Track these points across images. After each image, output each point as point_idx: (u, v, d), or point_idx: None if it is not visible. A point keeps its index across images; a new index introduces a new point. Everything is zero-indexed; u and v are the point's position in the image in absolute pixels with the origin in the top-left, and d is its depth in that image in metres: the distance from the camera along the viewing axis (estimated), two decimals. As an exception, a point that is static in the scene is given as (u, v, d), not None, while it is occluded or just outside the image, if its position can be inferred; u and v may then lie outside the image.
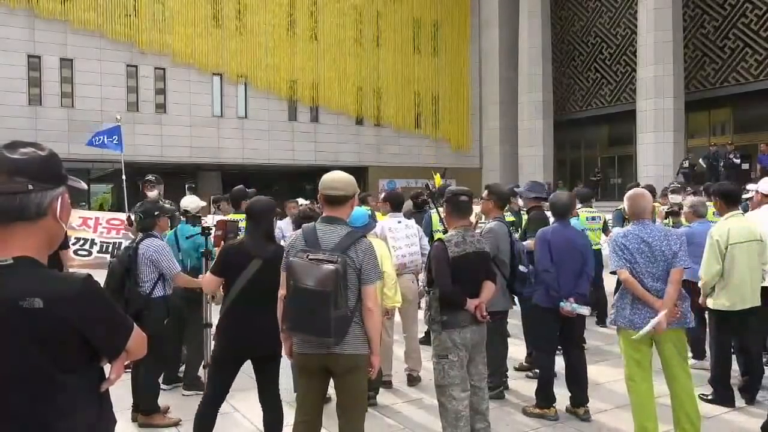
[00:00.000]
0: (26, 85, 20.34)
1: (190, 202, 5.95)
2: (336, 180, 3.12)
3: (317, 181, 3.23)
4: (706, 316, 5.25)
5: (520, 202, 7.14)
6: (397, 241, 5.47)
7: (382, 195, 6.93)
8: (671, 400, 4.01)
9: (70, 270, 6.47)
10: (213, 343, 3.79)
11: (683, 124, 20.83)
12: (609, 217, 8.41)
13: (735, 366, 5.08)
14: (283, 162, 24.58)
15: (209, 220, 7.38)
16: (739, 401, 4.89)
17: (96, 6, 21.08)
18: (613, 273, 4.08)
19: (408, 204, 7.83)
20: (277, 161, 24.43)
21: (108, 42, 21.28)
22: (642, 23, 20.79)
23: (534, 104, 24.77)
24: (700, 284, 5.01)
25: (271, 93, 24.01)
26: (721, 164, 17.59)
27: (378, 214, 6.74)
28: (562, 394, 4.70)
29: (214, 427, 3.62)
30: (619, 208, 8.00)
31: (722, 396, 4.88)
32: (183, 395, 5.19)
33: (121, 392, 4.01)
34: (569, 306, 4.50)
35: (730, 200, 5.01)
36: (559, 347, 4.86)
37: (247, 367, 3.67)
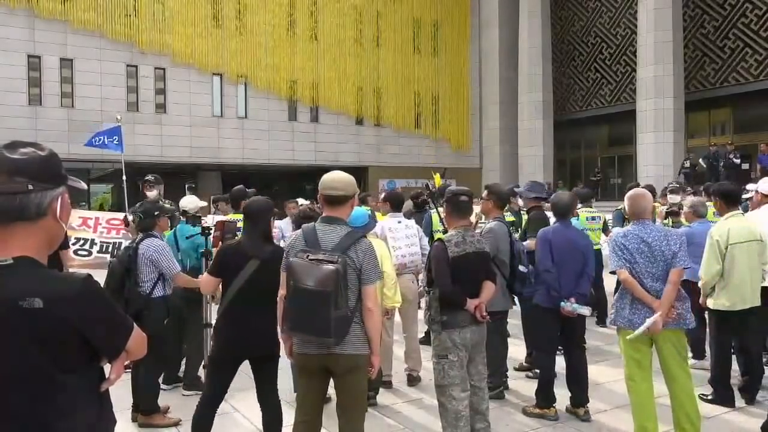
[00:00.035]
0: (26, 85, 20.34)
1: (189, 202, 5.95)
2: (336, 180, 3.12)
3: (317, 181, 3.22)
4: (706, 316, 5.24)
5: (520, 202, 7.14)
6: (397, 241, 5.47)
7: (382, 195, 6.92)
8: (671, 400, 4.01)
9: (70, 270, 6.46)
10: (211, 343, 3.79)
11: (683, 124, 20.83)
12: (609, 217, 8.41)
13: (735, 366, 5.07)
14: (283, 162, 24.58)
15: (209, 221, 7.37)
16: (739, 401, 4.89)
17: (96, 6, 21.08)
18: (613, 273, 4.07)
19: (408, 204, 7.83)
20: (277, 161, 24.42)
21: (108, 42, 21.28)
22: (642, 23, 20.79)
23: (534, 104, 24.77)
24: (700, 284, 5.01)
25: (271, 93, 24.00)
26: (721, 164, 17.60)
27: (378, 214, 6.72)
28: (562, 395, 4.70)
29: (212, 427, 3.61)
30: (619, 208, 8.01)
31: (722, 396, 4.88)
32: (183, 395, 5.19)
33: (121, 392, 4.00)
34: (570, 306, 4.50)
35: (730, 200, 5.01)
36: (559, 347, 4.86)
37: (247, 367, 3.66)
